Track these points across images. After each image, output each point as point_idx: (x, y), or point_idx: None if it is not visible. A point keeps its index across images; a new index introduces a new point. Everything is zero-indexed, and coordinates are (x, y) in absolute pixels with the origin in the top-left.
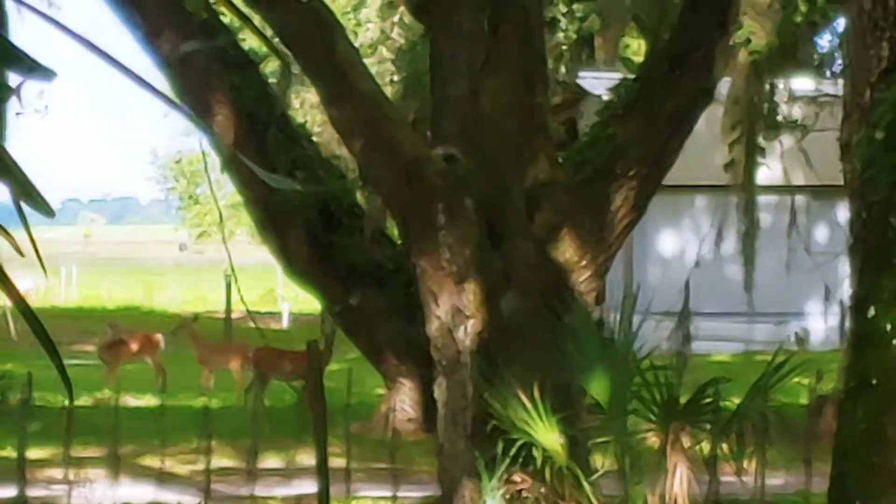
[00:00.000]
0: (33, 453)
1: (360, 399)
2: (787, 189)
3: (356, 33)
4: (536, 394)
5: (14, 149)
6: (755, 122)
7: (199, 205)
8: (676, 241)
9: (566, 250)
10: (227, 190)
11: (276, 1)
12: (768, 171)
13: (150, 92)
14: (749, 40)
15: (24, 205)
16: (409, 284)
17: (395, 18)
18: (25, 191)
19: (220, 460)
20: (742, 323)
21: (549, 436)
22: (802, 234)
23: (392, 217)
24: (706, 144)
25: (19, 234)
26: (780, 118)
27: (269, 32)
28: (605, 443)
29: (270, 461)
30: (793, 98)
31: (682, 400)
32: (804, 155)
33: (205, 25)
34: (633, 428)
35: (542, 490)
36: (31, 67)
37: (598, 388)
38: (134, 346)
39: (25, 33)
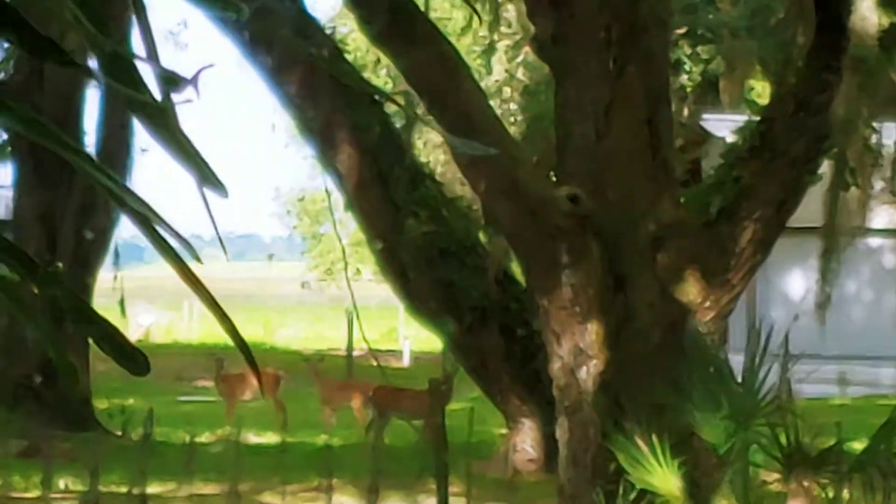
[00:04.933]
0: (154, 489)
1: (482, 438)
2: None
3: (481, 73)
4: (656, 437)
5: (139, 184)
6: (864, 165)
7: (321, 243)
8: (800, 283)
9: (690, 291)
10: (351, 228)
11: (403, 40)
12: (891, 214)
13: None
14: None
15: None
16: (531, 324)
17: (521, 59)
18: (204, 174)
19: (341, 498)
20: (865, 366)
21: (668, 480)
22: None
23: (516, 257)
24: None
25: (143, 271)
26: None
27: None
28: (728, 488)
29: (391, 500)
30: None
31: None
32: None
33: (332, 64)
34: (756, 472)
35: None
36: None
37: (720, 431)
38: (255, 383)
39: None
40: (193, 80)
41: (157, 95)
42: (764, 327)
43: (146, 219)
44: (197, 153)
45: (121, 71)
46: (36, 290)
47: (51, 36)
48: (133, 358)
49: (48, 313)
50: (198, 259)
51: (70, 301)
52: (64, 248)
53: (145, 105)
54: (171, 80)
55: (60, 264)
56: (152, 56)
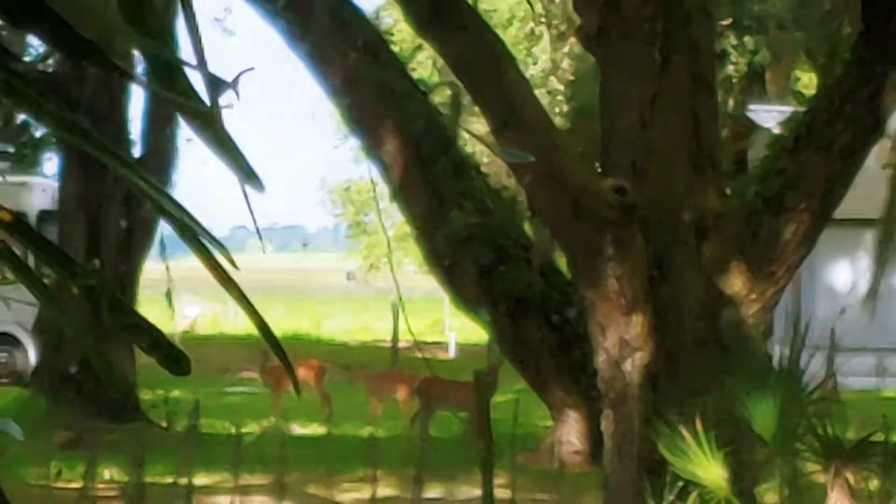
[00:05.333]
0: (200, 480)
1: (527, 430)
2: None
3: (527, 64)
4: (701, 427)
5: (184, 175)
6: None
7: (367, 234)
8: (845, 276)
9: (735, 283)
10: (396, 219)
11: (448, 31)
12: None
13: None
14: None
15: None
16: (576, 316)
17: (566, 49)
18: (246, 174)
19: (385, 490)
20: None
21: (712, 470)
22: None
23: (560, 248)
24: (876, 178)
25: (189, 262)
26: None
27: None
28: (771, 478)
29: (435, 491)
30: None
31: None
32: None
33: (375, 55)
34: (803, 463)
35: None
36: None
37: (764, 422)
38: (300, 374)
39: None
40: (234, 83)
41: (202, 95)
42: (807, 319)
43: (184, 224)
44: (240, 153)
45: (166, 73)
46: (74, 289)
47: (91, 36)
48: (175, 358)
49: (88, 305)
50: (233, 264)
51: (110, 301)
52: (108, 238)
53: (191, 106)
54: (213, 84)
55: (98, 261)
56: (199, 56)
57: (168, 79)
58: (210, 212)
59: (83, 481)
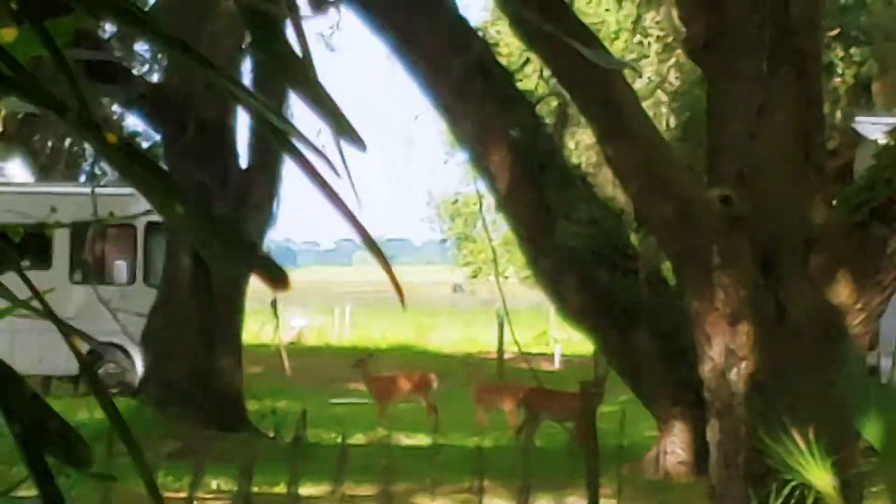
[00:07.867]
0: (306, 490)
1: (632, 441)
2: None
3: (633, 76)
4: (811, 436)
5: (291, 188)
6: None
7: (473, 243)
8: None
9: (841, 293)
10: (503, 230)
11: (554, 42)
12: None
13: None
14: None
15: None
16: (682, 326)
17: (672, 61)
18: (340, 126)
19: (492, 500)
20: None
21: (822, 478)
22: None
23: (667, 258)
24: None
25: (296, 276)
26: None
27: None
28: (878, 486)
29: (541, 502)
30: None
31: None
32: None
33: (482, 66)
34: None
35: None
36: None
37: (871, 431)
38: (406, 385)
39: None
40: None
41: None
42: None
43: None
44: (334, 104)
45: (263, 27)
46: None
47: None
48: (273, 273)
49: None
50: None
51: (209, 221)
52: None
53: (283, 56)
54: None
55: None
56: None
57: (264, 31)
58: (316, 224)
59: (189, 490)
